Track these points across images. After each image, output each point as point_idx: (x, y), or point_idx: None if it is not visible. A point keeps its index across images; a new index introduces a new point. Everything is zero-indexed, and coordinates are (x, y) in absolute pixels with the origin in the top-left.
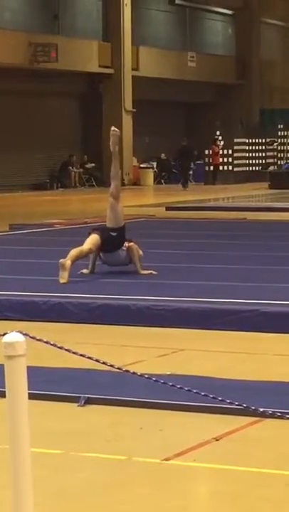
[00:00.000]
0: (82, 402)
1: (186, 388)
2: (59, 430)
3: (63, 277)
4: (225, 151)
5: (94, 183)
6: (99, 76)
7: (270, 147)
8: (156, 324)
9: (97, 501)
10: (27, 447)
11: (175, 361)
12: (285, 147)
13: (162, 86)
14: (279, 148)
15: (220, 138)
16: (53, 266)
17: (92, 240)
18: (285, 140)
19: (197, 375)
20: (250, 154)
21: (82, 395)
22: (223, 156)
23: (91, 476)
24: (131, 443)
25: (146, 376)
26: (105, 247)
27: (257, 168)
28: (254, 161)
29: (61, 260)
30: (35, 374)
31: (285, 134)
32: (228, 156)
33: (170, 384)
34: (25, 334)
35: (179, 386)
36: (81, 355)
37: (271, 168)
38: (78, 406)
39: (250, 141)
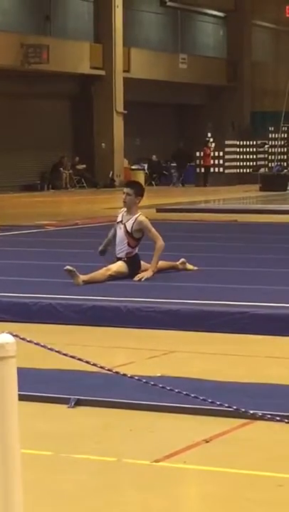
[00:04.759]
0: (72, 403)
1: (177, 390)
2: (49, 432)
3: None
4: (216, 153)
5: (85, 185)
6: (90, 77)
7: (261, 149)
8: (146, 326)
9: (87, 503)
10: (17, 449)
11: (165, 363)
12: (275, 149)
13: (153, 88)
14: (270, 150)
15: (211, 140)
16: (43, 267)
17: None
18: (276, 142)
19: (187, 376)
20: (241, 156)
21: (72, 397)
22: (214, 158)
23: (81, 477)
24: (121, 445)
25: (136, 378)
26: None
27: (248, 171)
28: (245, 163)
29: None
30: (25, 375)
31: (276, 136)
32: (219, 158)
33: (160, 386)
34: (15, 335)
35: (169, 388)
36: (71, 356)
37: (262, 170)
38: (68, 407)
39: (241, 143)
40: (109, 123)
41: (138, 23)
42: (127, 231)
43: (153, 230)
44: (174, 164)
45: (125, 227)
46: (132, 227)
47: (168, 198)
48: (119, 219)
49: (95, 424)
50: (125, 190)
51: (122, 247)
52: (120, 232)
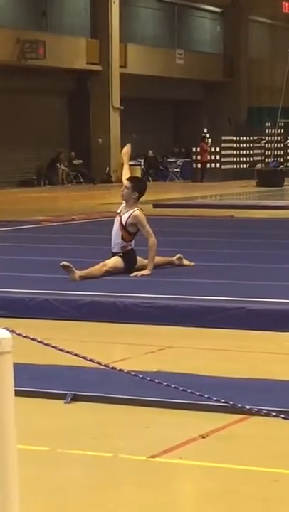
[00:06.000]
0: (69, 399)
1: (173, 385)
2: (45, 427)
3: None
4: (212, 149)
5: (81, 180)
6: (87, 73)
7: (258, 145)
8: (143, 321)
9: (83, 498)
10: (13, 444)
11: (162, 358)
12: (272, 145)
13: (150, 83)
14: (266, 146)
15: (207, 136)
16: (39, 263)
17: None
18: (273, 138)
19: (184, 372)
20: (238, 152)
21: (68, 392)
22: (210, 153)
23: (77, 473)
24: (117, 440)
25: (132, 373)
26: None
27: (244, 166)
28: (241, 159)
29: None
30: (21, 371)
31: (273, 131)
32: (215, 153)
33: (157, 381)
34: (11, 331)
35: (165, 383)
36: (68, 352)
37: (258, 166)
38: (65, 403)
39: (238, 138)
40: (106, 118)
41: (135, 18)
42: (121, 224)
43: (147, 227)
44: (179, 160)
45: (121, 219)
46: (126, 220)
47: (164, 193)
48: (118, 211)
49: (91, 420)
50: (125, 183)
51: (116, 241)
52: (116, 224)
